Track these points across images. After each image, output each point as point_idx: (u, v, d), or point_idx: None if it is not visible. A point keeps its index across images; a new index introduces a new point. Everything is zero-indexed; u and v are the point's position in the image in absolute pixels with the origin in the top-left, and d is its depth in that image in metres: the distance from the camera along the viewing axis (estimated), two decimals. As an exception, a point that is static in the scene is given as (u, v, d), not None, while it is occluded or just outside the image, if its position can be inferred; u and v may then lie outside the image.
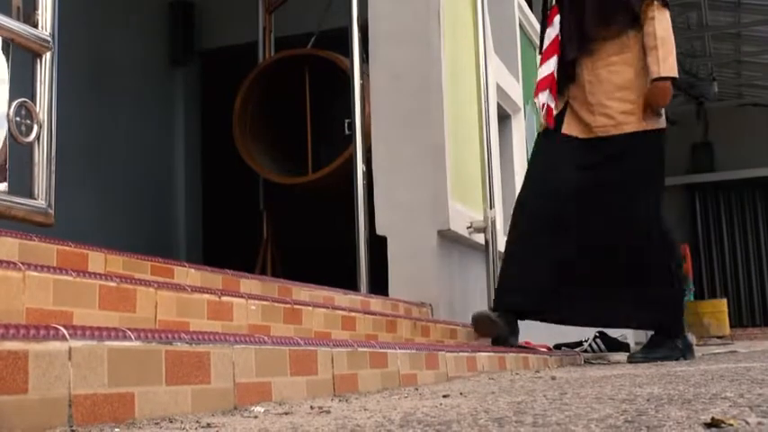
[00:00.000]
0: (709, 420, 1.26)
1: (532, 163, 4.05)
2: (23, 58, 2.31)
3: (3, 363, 1.17)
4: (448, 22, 4.99)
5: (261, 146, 6.69)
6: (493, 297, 4.19)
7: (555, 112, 3.91)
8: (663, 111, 3.90)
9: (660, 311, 3.88)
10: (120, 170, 7.45)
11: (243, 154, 6.54)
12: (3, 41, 2.19)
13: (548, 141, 3.93)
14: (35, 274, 1.66)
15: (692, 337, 4.00)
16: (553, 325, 6.70)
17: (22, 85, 2.31)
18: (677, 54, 3.91)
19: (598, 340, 5.19)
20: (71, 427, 1.25)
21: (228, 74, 7.46)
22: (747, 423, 1.24)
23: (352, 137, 4.80)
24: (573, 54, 3.88)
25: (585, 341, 5.20)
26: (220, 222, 8.13)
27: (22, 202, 2.24)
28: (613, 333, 5.58)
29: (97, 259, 2.25)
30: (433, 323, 3.67)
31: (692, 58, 18.01)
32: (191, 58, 8.42)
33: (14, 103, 2.21)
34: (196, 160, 8.45)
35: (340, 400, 1.89)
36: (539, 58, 4.01)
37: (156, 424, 1.37)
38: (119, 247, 2.43)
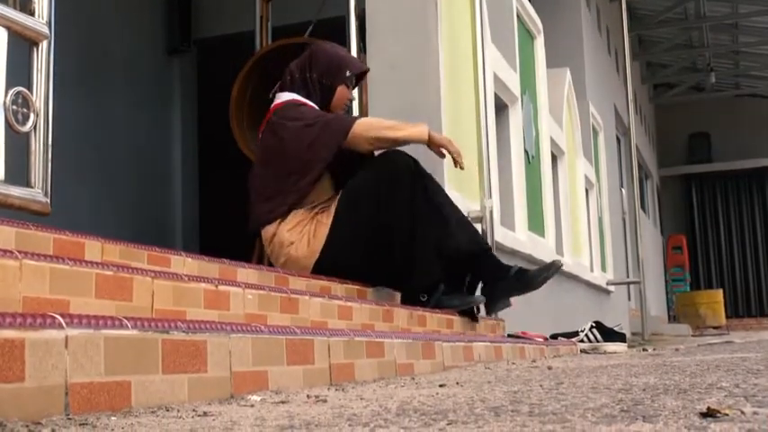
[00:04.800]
0: (704, 410, 1.26)
1: None
2: (20, 46, 2.31)
3: (-1, 351, 1.18)
4: (445, 11, 4.98)
5: (258, 135, 6.68)
6: None
7: None
8: None
9: None
10: (116, 159, 7.44)
11: (240, 143, 6.53)
12: (-1, 29, 2.19)
13: None
14: (32, 262, 1.66)
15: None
16: (550, 315, 6.72)
17: (19, 73, 2.31)
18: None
19: (594, 330, 5.19)
20: (68, 415, 1.25)
21: (225, 63, 7.43)
22: (743, 413, 1.24)
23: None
24: None
25: (582, 331, 5.21)
26: (217, 211, 8.12)
27: (19, 190, 2.24)
28: (609, 323, 5.58)
29: (94, 248, 2.24)
30: (429, 313, 3.68)
31: (690, 49, 18.01)
32: (187, 47, 8.41)
33: (11, 92, 2.21)
34: (193, 149, 8.44)
35: (336, 390, 1.89)
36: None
37: (153, 412, 1.37)
38: (116, 236, 2.43)
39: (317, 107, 3.96)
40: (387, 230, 3.72)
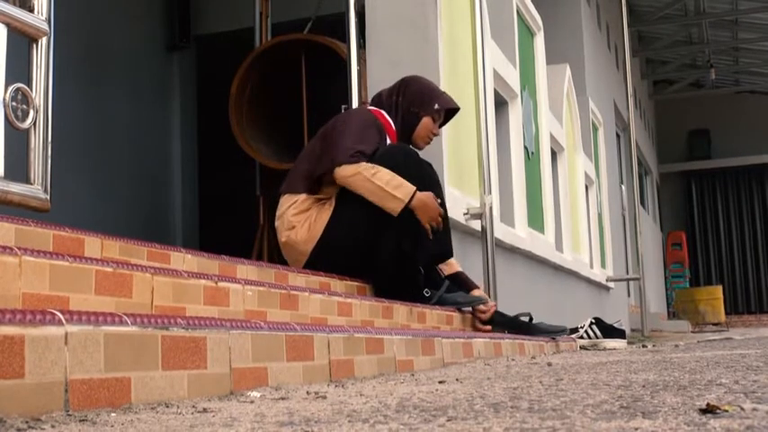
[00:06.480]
0: (704, 406, 1.26)
1: None
2: (20, 43, 2.31)
3: (-1, 347, 1.18)
4: (445, 7, 4.98)
5: (257, 131, 6.68)
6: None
7: None
8: None
9: None
10: (116, 155, 7.44)
11: (239, 139, 6.53)
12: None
13: None
14: (31, 259, 1.66)
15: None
16: (550, 311, 6.71)
17: (19, 70, 2.30)
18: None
19: (594, 327, 5.20)
20: (67, 411, 1.25)
21: (225, 59, 7.45)
22: (742, 409, 1.24)
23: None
24: None
25: (581, 327, 5.21)
26: (217, 208, 8.13)
27: (19, 187, 2.24)
28: (609, 320, 5.59)
29: (93, 245, 2.25)
30: (429, 309, 3.68)
31: (690, 45, 18.00)
32: (187, 44, 8.41)
33: (11, 89, 2.20)
34: (192, 146, 8.44)
35: (336, 386, 1.89)
36: None
37: (153, 409, 1.37)
38: (115, 233, 2.43)
39: (393, 126, 4.00)
40: (389, 221, 3.72)
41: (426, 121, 4.04)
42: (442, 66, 4.80)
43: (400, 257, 3.77)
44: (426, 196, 3.74)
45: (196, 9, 8.52)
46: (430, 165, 3.99)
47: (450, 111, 4.20)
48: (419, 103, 4.04)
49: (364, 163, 3.71)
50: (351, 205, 3.75)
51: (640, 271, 10.67)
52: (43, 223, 2.11)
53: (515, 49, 6.69)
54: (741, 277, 21.58)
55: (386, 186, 3.67)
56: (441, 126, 4.20)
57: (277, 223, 3.95)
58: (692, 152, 21.67)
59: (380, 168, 3.71)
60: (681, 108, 21.20)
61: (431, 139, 4.13)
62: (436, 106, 4.06)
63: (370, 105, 4.12)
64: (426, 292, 3.84)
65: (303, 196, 3.86)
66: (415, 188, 3.71)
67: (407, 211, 3.69)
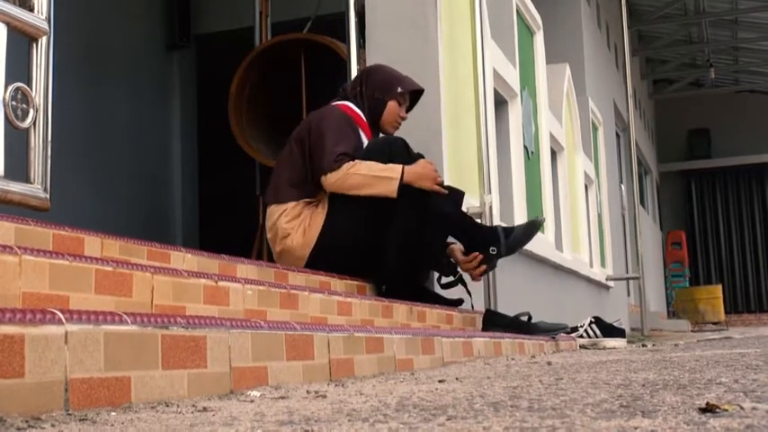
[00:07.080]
0: (704, 405, 1.26)
1: None
2: (19, 42, 2.31)
3: (-1, 347, 1.18)
4: (445, 7, 4.98)
5: (257, 131, 6.68)
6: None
7: None
8: None
9: None
10: (116, 154, 7.44)
11: (239, 139, 6.53)
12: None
13: None
14: (31, 258, 1.66)
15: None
16: (549, 311, 6.71)
17: (19, 69, 2.31)
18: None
19: (594, 326, 5.20)
20: (67, 410, 1.25)
21: (225, 59, 7.45)
22: (742, 408, 1.25)
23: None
24: None
25: (581, 326, 5.21)
26: (217, 207, 8.13)
27: (19, 186, 2.24)
28: (609, 319, 5.59)
29: (93, 244, 2.25)
30: (429, 308, 3.68)
31: (689, 45, 18.00)
32: (187, 43, 8.41)
33: (10, 88, 2.20)
34: (192, 145, 8.44)
35: (336, 385, 1.89)
36: None
37: (153, 408, 1.37)
38: (115, 232, 2.43)
39: (363, 117, 4.01)
40: (386, 216, 3.73)
41: (392, 105, 4.06)
42: (442, 66, 4.80)
43: (409, 251, 3.76)
44: (417, 165, 3.78)
45: (196, 8, 8.52)
46: (420, 154, 3.96)
47: (415, 94, 4.21)
48: (382, 89, 4.06)
49: (346, 164, 3.73)
50: (345, 205, 3.75)
51: (640, 270, 10.67)
52: (43, 222, 2.11)
53: (515, 49, 6.68)
54: (741, 276, 21.58)
55: (372, 173, 3.71)
56: (408, 110, 4.19)
57: (269, 235, 3.92)
58: (692, 151, 21.66)
59: (359, 161, 3.74)
60: (680, 107, 21.20)
61: (399, 124, 4.13)
62: (399, 89, 4.07)
63: (337, 100, 4.12)
64: (492, 251, 3.92)
65: (292, 203, 3.86)
66: (402, 165, 3.74)
67: (402, 207, 3.70)
